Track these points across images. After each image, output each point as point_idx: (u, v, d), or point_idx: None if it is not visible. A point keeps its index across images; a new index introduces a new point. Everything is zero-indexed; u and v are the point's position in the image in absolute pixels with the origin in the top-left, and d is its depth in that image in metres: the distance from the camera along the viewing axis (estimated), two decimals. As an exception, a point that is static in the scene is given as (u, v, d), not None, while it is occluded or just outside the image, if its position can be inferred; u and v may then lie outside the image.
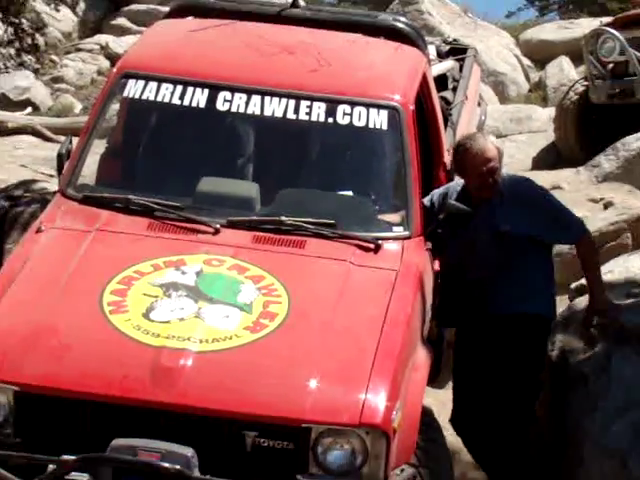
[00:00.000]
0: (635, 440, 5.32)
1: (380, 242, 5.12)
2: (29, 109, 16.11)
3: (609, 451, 5.54)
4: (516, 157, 14.33)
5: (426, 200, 5.77)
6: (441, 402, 6.51)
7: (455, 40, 10.18)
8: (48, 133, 12.60)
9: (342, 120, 5.52)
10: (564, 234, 5.99)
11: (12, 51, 16.60)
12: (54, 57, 20.37)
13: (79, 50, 20.66)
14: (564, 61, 19.05)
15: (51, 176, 9.96)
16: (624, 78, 12.82)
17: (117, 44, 20.22)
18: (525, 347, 5.56)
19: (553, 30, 23.16)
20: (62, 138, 9.77)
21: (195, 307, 4.50)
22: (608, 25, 13.81)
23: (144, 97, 5.66)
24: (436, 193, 5.92)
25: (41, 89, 17.93)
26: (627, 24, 13.29)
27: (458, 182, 5.96)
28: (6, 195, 9.20)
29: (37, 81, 18.20)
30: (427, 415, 4.74)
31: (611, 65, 13.03)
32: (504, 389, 5.56)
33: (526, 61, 20.55)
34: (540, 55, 21.03)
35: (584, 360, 6.06)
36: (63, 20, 21.28)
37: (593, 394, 5.81)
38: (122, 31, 21.51)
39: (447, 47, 8.98)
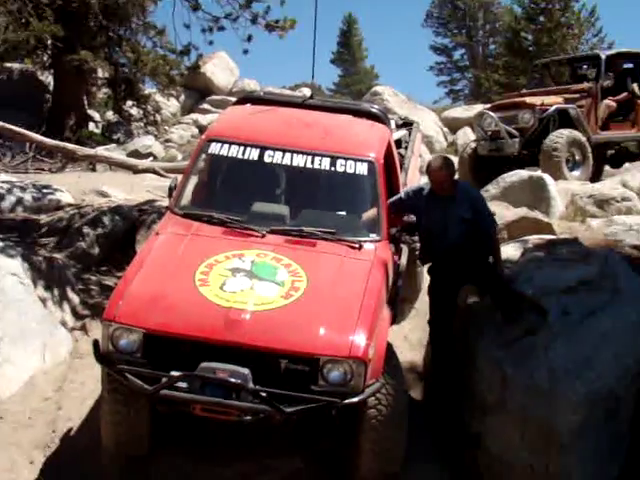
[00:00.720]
0: (550, 380, 6.47)
1: (362, 244, 6.75)
2: (151, 158, 18.37)
3: (494, 358, 6.98)
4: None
5: (403, 193, 7.51)
6: (394, 332, 7.54)
7: (405, 117, 12.41)
8: (162, 172, 14.19)
9: (339, 168, 7.15)
10: (488, 223, 7.27)
11: (141, 124, 23.15)
12: (166, 127, 25.06)
13: (180, 123, 25.91)
14: (467, 130, 24.61)
15: (163, 197, 10.98)
16: (497, 140, 15.95)
17: (203, 119, 25.36)
18: (470, 271, 7.26)
19: (460, 111, 31.75)
20: (171, 175, 11.58)
21: (250, 283, 5.97)
22: (488, 109, 17.59)
23: (220, 153, 7.31)
24: (412, 188, 7.63)
25: (158, 146, 21.73)
26: (499, 108, 17.04)
27: (427, 182, 7.38)
28: (138, 209, 10.86)
29: (156, 142, 22.27)
30: (389, 349, 6.15)
31: (490, 132, 16.32)
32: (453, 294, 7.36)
33: (445, 129, 26.84)
34: (453, 126, 27.36)
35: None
36: (171, 106, 28.30)
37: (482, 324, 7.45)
38: (206, 111, 26.77)
39: (401, 122, 10.78)
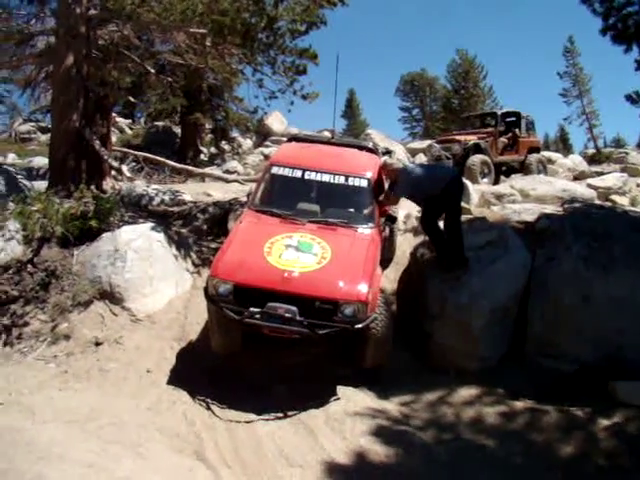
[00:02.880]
0: (470, 299, 6.56)
1: (363, 229, 6.63)
2: (236, 174, 17.59)
3: (438, 287, 6.94)
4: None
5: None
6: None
7: (386, 148, 11.64)
8: (242, 182, 13.30)
9: (350, 183, 7.02)
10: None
11: (231, 154, 24.07)
12: (245, 156, 24.34)
13: (252, 153, 24.58)
14: (421, 155, 21.78)
15: (243, 196, 10.24)
16: (440, 161, 14.83)
17: (266, 151, 23.97)
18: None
19: (417, 144, 28.06)
20: (248, 184, 12.53)
21: (297, 254, 5.92)
22: (434, 142, 17.22)
23: (278, 173, 7.20)
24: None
25: (240, 167, 20.90)
26: (440, 142, 16.42)
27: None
28: (229, 202, 10.38)
29: (239, 164, 21.42)
30: (382, 292, 6.31)
31: (435, 156, 15.29)
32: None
33: (408, 155, 23.36)
34: (413, 153, 24.19)
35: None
36: (247, 143, 27.20)
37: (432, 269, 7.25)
38: (267, 146, 25.43)
39: (385, 150, 9.92)
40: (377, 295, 5.83)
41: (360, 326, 5.47)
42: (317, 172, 7.04)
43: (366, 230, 6.59)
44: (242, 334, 6.05)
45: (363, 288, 5.58)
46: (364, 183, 7.02)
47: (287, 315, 5.39)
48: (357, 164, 7.38)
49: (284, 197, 7.07)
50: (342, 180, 6.99)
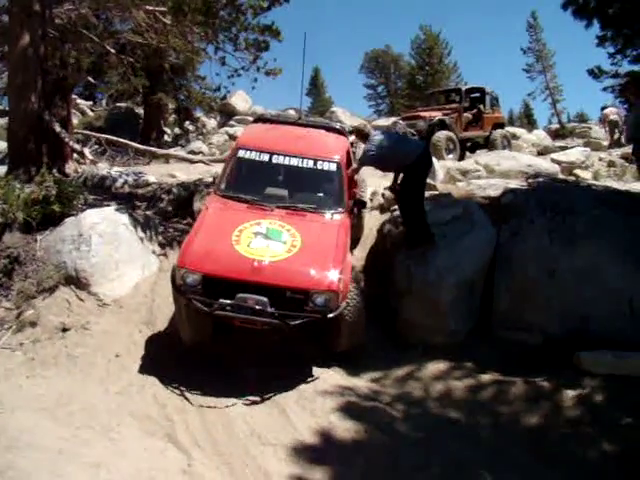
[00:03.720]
0: (436, 275, 6.67)
1: (332, 214, 6.53)
2: (200, 155, 17.49)
3: (405, 263, 7.03)
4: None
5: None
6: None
7: (354, 126, 10.65)
8: (208, 162, 13.88)
9: (318, 166, 6.87)
10: None
11: (195, 135, 23.60)
12: (209, 136, 24.01)
13: (217, 133, 24.41)
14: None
15: (208, 177, 10.43)
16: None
17: (231, 130, 23.87)
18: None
19: (383, 121, 27.82)
20: (214, 164, 13.40)
21: (266, 242, 5.82)
22: (399, 119, 17.60)
23: (245, 157, 7.00)
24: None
25: (205, 147, 20.60)
26: (405, 119, 16.67)
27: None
28: (194, 183, 10.30)
29: (203, 144, 21.02)
30: (355, 277, 6.11)
31: (401, 133, 13.93)
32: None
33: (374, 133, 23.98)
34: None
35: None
36: (212, 123, 26.94)
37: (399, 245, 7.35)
38: (232, 126, 25.26)
39: (352, 129, 9.27)
40: (348, 282, 5.74)
41: (332, 315, 5.43)
42: (285, 156, 6.89)
43: (336, 215, 6.50)
44: (212, 324, 5.93)
45: (334, 277, 5.53)
46: (333, 167, 6.88)
47: (257, 307, 5.31)
48: (326, 147, 7.24)
49: (251, 182, 6.93)
50: (311, 164, 6.85)
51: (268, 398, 5.28)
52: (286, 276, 5.48)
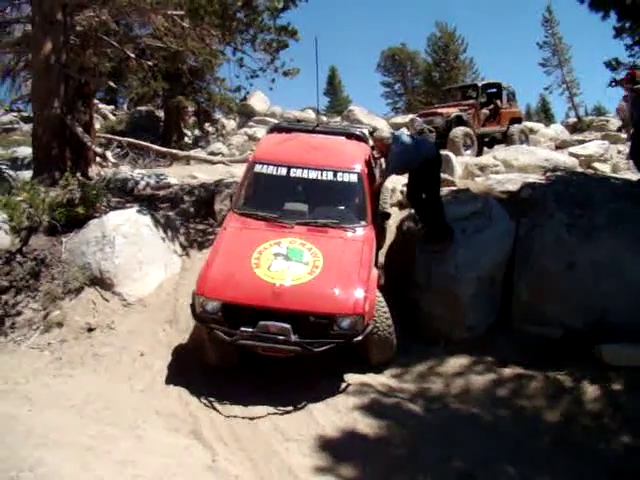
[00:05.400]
0: (456, 270, 6.63)
1: (355, 228, 6.26)
2: (220, 156, 17.47)
3: (425, 260, 6.98)
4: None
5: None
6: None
7: (374, 127, 12.11)
8: (227, 163, 13.77)
9: (339, 178, 6.57)
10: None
11: (215, 136, 23.95)
12: (229, 137, 24.19)
13: (236, 134, 24.48)
14: (404, 129, 18.94)
15: (228, 177, 10.90)
16: (422, 134, 14.19)
17: (250, 131, 23.86)
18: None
19: (400, 119, 28.07)
20: (234, 165, 13.36)
21: (287, 265, 5.58)
22: (417, 116, 17.13)
23: (262, 171, 6.72)
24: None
25: (224, 148, 20.79)
26: (422, 115, 16.53)
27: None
28: (215, 184, 10.27)
29: (223, 145, 21.46)
30: (378, 297, 5.73)
31: (418, 130, 14.85)
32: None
33: (392, 130, 23.07)
34: (395, 127, 21.95)
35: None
36: (231, 124, 26.92)
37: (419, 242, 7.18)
38: (251, 127, 25.04)
39: (372, 129, 8.95)
40: (374, 301, 5.54)
41: (358, 339, 5.25)
42: (303, 168, 6.59)
43: (359, 230, 6.25)
44: (237, 351, 5.65)
45: (359, 298, 5.33)
46: (354, 178, 6.59)
47: (280, 337, 5.12)
48: (346, 157, 6.93)
49: (269, 197, 6.68)
50: (330, 176, 6.56)
51: (291, 394, 5.27)
52: (309, 300, 5.28)
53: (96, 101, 18.90)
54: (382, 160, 7.35)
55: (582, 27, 75.14)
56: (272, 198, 6.64)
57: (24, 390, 5.18)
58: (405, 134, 7.62)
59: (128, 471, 3.69)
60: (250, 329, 5.19)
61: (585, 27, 68.16)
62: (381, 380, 5.71)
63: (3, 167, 11.98)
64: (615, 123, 24.37)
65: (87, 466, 3.65)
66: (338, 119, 26.25)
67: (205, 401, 5.22)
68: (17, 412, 4.60)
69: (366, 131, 8.07)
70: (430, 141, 8.36)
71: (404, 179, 7.66)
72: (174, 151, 15.97)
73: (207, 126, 24.64)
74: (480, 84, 17.60)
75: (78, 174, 9.66)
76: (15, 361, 6.05)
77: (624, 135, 17.69)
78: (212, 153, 18.91)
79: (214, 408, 5.12)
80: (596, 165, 14.04)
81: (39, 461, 3.58)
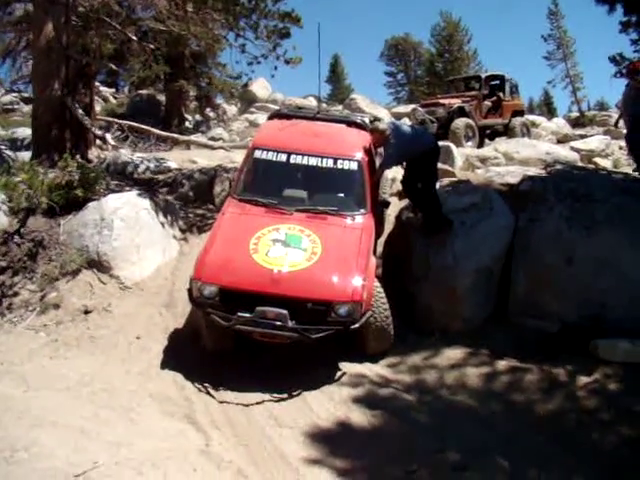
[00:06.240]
0: (454, 261, 6.64)
1: (355, 216, 6.23)
2: (221, 141, 17.37)
3: (423, 250, 7.01)
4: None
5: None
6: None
7: (375, 116, 12.05)
8: (228, 148, 13.68)
9: (339, 166, 6.53)
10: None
11: (216, 121, 23.83)
12: (230, 122, 24.41)
13: (237, 120, 24.76)
14: (406, 119, 19.64)
15: (227, 163, 11.02)
16: (424, 125, 14.91)
17: (251, 117, 24.27)
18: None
19: (402, 108, 28.24)
20: (234, 150, 13.37)
21: (285, 250, 5.56)
22: (419, 106, 17.31)
23: (261, 157, 6.67)
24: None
25: (225, 134, 20.76)
26: (424, 106, 16.72)
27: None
28: (214, 169, 10.32)
29: (224, 131, 21.50)
30: (376, 285, 5.74)
31: (419, 120, 15.58)
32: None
33: (393, 119, 23.19)
34: (397, 117, 21.91)
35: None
36: (232, 110, 27.16)
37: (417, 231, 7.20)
38: (252, 112, 25.60)
39: (373, 118, 8.83)
40: (372, 289, 5.54)
41: (356, 326, 5.24)
42: (303, 155, 6.56)
43: (358, 217, 6.23)
44: (233, 335, 5.64)
45: (357, 286, 5.31)
46: (354, 165, 6.56)
47: (277, 322, 5.11)
48: (346, 144, 6.89)
49: (269, 183, 6.67)
50: (330, 163, 6.52)
51: (286, 382, 5.27)
52: (306, 287, 5.26)
53: (97, 83, 18.87)
54: (381, 149, 7.27)
55: (587, 21, 74.79)
56: (271, 184, 6.62)
57: (20, 371, 5.21)
58: (404, 124, 7.59)
59: (122, 453, 3.71)
60: (247, 314, 5.16)
61: (590, 21, 67.87)
62: (376, 370, 5.71)
63: (2, 148, 11.93)
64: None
65: (81, 447, 3.68)
66: (340, 107, 26.15)
67: (200, 386, 5.22)
68: (13, 393, 4.64)
69: (367, 119, 7.98)
70: (429, 132, 8.30)
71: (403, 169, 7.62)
72: (174, 135, 15.92)
73: (208, 111, 24.58)
74: (483, 76, 17.62)
75: (77, 156, 9.68)
76: (11, 342, 6.06)
77: (625, 131, 17.67)
78: (213, 138, 18.86)
79: (209, 393, 5.11)
80: (597, 160, 14.04)
81: (34, 441, 3.63)
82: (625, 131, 9.47)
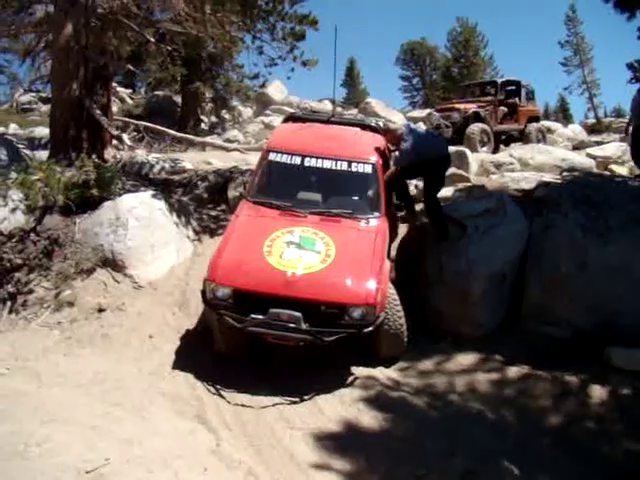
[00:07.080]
0: (468, 266, 6.57)
1: (369, 219, 6.20)
2: (236, 143, 17.54)
3: (436, 255, 7.00)
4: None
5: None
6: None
7: (390, 120, 12.34)
8: (243, 150, 13.53)
9: (353, 169, 6.51)
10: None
11: (231, 123, 23.82)
12: (245, 124, 24.89)
13: (253, 122, 25.03)
14: (421, 123, 18.01)
15: (242, 165, 11.10)
16: (439, 129, 15.17)
17: (266, 120, 24.76)
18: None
19: (417, 113, 28.94)
20: (249, 152, 13.18)
21: (299, 253, 5.53)
22: (434, 111, 17.38)
23: (276, 159, 6.66)
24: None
25: (240, 136, 21.04)
26: (440, 110, 16.70)
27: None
28: (229, 170, 10.44)
29: (239, 133, 22.29)
30: (390, 289, 5.68)
31: (435, 125, 15.62)
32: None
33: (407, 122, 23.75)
34: (413, 122, 22.12)
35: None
36: (248, 112, 27.64)
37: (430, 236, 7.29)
38: (268, 115, 26.18)
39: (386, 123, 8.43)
40: (386, 292, 5.49)
41: (369, 329, 5.20)
42: (318, 158, 6.54)
43: (372, 220, 6.19)
44: (247, 338, 5.60)
45: (371, 289, 5.26)
46: (369, 169, 6.54)
47: (291, 325, 5.07)
48: (360, 147, 6.87)
49: (283, 186, 6.65)
50: (345, 166, 6.50)
51: (297, 384, 5.27)
52: (320, 290, 5.22)
53: (114, 84, 18.95)
54: (396, 153, 7.24)
55: (604, 27, 74.18)
56: (286, 187, 6.61)
57: (34, 367, 5.24)
58: (420, 127, 7.58)
59: (133, 451, 3.72)
60: (260, 316, 5.14)
61: (607, 27, 67.23)
62: (387, 374, 5.69)
63: (20, 146, 12.05)
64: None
65: (93, 444, 3.69)
66: (355, 111, 26.15)
67: (211, 386, 5.23)
68: (27, 389, 4.67)
69: (381, 123, 7.98)
70: (443, 139, 8.27)
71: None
72: (190, 137, 16.02)
73: (224, 113, 24.73)
74: (499, 81, 17.59)
75: (94, 156, 9.72)
76: (26, 339, 6.10)
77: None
78: (228, 140, 18.98)
79: (220, 394, 5.13)
80: (613, 167, 13.85)
81: (47, 437, 3.64)
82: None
